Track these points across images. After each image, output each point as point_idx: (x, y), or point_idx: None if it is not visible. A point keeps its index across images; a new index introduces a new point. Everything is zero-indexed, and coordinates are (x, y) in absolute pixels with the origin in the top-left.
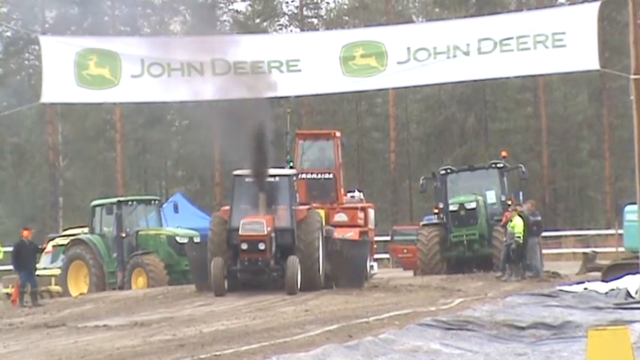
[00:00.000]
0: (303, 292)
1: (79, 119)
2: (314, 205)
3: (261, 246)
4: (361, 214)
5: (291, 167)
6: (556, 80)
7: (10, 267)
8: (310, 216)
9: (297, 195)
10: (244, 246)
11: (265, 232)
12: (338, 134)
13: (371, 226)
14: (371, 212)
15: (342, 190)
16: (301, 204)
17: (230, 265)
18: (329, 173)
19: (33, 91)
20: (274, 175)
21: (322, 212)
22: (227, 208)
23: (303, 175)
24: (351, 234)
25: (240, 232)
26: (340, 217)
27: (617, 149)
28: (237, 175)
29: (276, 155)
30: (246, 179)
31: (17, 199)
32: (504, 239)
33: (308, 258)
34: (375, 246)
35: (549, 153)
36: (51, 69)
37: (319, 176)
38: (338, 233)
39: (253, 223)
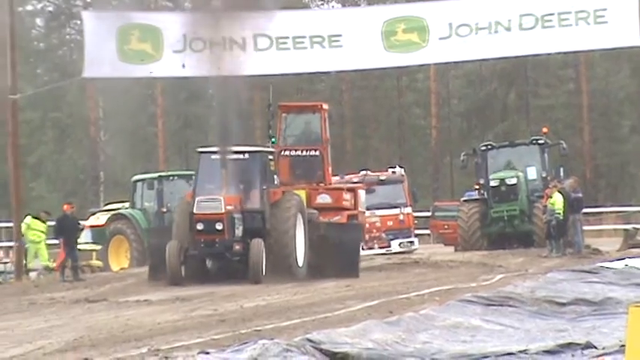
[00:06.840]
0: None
1: (121, 94)
2: (299, 185)
3: (219, 226)
4: (347, 196)
5: (273, 143)
6: (597, 56)
7: (55, 241)
8: (285, 198)
9: (275, 175)
10: (200, 226)
11: (223, 211)
12: (325, 106)
13: (361, 208)
14: (361, 193)
15: (330, 169)
16: (283, 184)
17: (189, 249)
18: (315, 150)
19: (75, 66)
20: (243, 152)
21: (303, 193)
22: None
23: (287, 152)
24: (338, 218)
25: (194, 211)
26: (323, 198)
27: None
28: (202, 152)
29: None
30: (212, 156)
31: (59, 174)
32: (543, 215)
33: (281, 244)
34: (415, 222)
35: (590, 129)
36: (93, 44)
37: (304, 153)
38: (323, 217)
39: (209, 201)
